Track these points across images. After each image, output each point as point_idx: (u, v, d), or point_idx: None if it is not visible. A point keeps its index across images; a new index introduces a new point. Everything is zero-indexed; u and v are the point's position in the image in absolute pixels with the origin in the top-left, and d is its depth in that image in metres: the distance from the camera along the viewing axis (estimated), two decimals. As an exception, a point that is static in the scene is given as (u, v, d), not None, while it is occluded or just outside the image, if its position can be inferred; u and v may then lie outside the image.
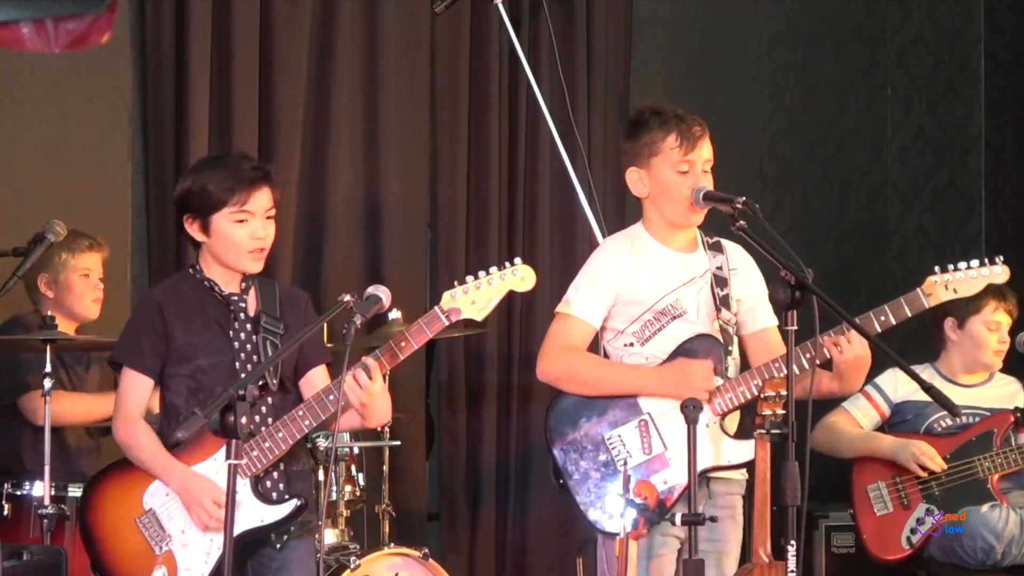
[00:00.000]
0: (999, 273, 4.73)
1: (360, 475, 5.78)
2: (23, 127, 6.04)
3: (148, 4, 6.07)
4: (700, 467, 4.54)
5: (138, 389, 4.53)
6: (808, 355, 4.52)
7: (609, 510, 4.59)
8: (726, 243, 4.81)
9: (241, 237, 4.50)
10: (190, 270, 4.62)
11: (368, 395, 4.40)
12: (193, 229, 4.54)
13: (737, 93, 7.38)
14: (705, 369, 4.59)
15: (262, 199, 4.52)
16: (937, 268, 4.66)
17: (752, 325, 4.79)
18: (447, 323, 4.46)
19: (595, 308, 4.71)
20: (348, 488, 5.72)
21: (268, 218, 4.55)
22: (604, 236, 5.60)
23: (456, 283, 4.48)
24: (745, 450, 4.60)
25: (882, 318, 4.58)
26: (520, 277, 4.53)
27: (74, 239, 5.58)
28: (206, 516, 4.39)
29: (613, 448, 4.64)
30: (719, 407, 4.61)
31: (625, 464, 4.55)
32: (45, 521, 5.13)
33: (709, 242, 4.80)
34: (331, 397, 4.38)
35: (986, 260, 4.70)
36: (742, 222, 4.41)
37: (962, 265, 4.66)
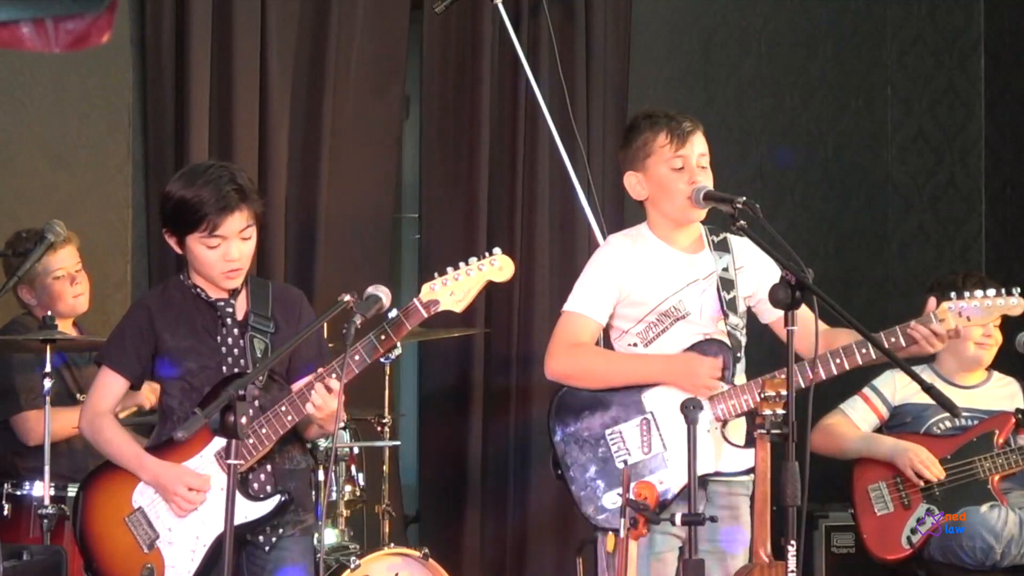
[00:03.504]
0: (1015, 305, 4.71)
1: (360, 475, 5.79)
2: (23, 127, 6.04)
3: (148, 4, 6.08)
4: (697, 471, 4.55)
5: (111, 387, 4.56)
6: (806, 373, 4.53)
7: (603, 505, 4.61)
8: (733, 239, 4.79)
9: (213, 259, 4.48)
10: (180, 276, 4.62)
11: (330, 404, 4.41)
12: (171, 241, 4.55)
13: (737, 93, 7.38)
14: (714, 367, 4.58)
15: (236, 222, 4.45)
16: (953, 294, 4.64)
17: (773, 313, 4.74)
18: (426, 315, 4.44)
19: (600, 305, 4.71)
20: (348, 488, 5.73)
21: (244, 239, 4.49)
22: (604, 236, 5.60)
23: (436, 275, 4.48)
24: (743, 459, 4.61)
25: (892, 340, 4.57)
26: (498, 267, 4.51)
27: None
28: (183, 502, 4.41)
29: (613, 443, 4.65)
30: (721, 413, 4.61)
31: (626, 463, 4.56)
32: (45, 521, 5.13)
33: (715, 241, 4.78)
34: (312, 392, 4.39)
35: (1003, 290, 4.69)
36: (742, 222, 4.41)
37: (978, 293, 4.64)
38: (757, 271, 4.77)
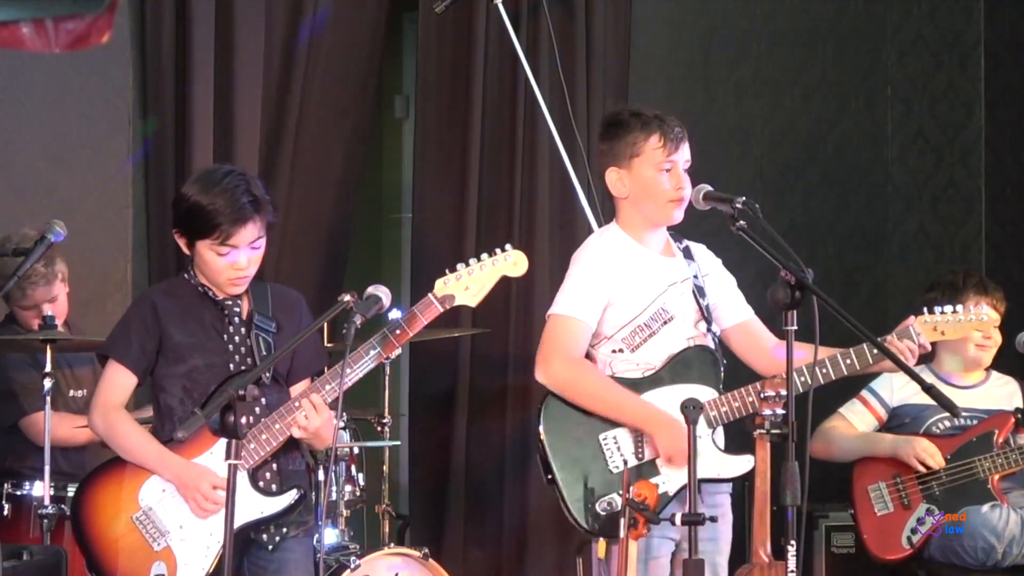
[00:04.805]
0: (984, 315, 4.96)
1: (360, 475, 5.79)
2: (23, 127, 6.04)
3: (148, 4, 6.07)
4: None
5: (120, 381, 4.54)
6: (803, 378, 4.55)
7: (596, 510, 4.59)
8: (693, 247, 4.85)
9: (221, 267, 4.50)
10: (185, 275, 4.62)
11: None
12: (180, 242, 4.56)
13: (737, 93, 7.37)
14: (683, 454, 4.49)
15: (248, 233, 4.48)
16: (925, 309, 4.83)
17: (730, 320, 4.81)
18: (441, 309, 4.49)
19: (591, 308, 4.69)
20: (348, 488, 5.72)
21: (254, 248, 4.51)
22: (604, 236, 5.60)
23: (448, 271, 4.49)
24: (735, 465, 4.64)
25: (874, 352, 4.65)
26: (512, 262, 4.56)
27: (25, 281, 5.49)
28: (204, 501, 4.40)
29: (606, 449, 4.63)
30: (714, 420, 4.62)
31: (626, 464, 4.56)
32: (45, 521, 5.13)
33: (681, 248, 4.81)
34: (327, 387, 4.42)
35: (971, 307, 4.91)
36: (742, 222, 4.42)
37: (948, 308, 4.84)
38: (716, 279, 4.82)
